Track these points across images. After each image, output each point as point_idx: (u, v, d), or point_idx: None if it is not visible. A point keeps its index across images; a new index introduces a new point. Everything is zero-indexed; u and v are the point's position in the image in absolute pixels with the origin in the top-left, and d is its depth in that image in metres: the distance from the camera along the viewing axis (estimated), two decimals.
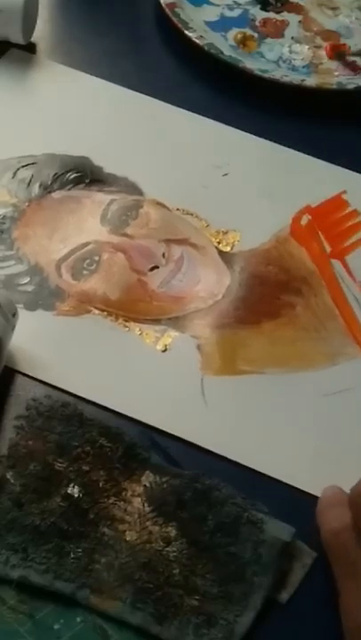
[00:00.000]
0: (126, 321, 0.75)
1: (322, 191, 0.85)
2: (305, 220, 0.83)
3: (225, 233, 0.81)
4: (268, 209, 0.84)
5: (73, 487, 0.64)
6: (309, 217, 0.83)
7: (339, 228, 0.84)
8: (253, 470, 0.68)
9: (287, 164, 0.87)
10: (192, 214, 0.82)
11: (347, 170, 0.87)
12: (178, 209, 0.83)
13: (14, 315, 0.69)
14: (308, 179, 0.86)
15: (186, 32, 0.94)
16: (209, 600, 0.61)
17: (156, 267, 0.78)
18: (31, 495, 0.63)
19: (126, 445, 0.66)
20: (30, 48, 0.93)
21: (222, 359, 0.74)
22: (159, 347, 0.74)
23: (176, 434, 0.69)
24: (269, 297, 0.78)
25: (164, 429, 0.69)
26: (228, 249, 0.80)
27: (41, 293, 0.76)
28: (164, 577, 0.61)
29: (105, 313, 0.75)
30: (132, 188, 0.83)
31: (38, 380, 0.70)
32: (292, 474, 0.68)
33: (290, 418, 0.71)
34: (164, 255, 0.79)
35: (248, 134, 0.89)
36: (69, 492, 0.63)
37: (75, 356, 0.73)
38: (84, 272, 0.77)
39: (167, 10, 0.95)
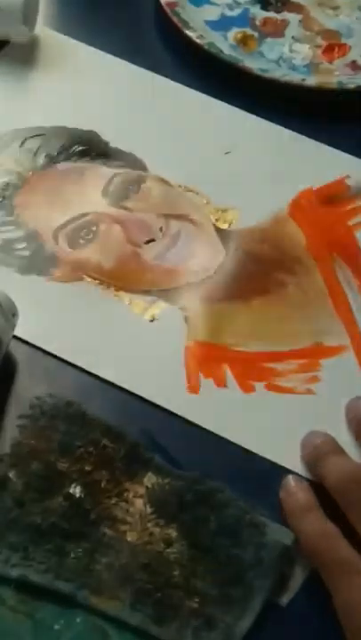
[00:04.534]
0: (117, 290, 0.76)
1: (325, 175, 0.86)
2: (305, 201, 0.84)
3: (224, 211, 0.82)
4: (269, 190, 0.84)
5: (75, 487, 0.64)
6: (310, 199, 0.84)
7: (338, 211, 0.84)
8: (255, 471, 0.68)
9: (293, 147, 0.88)
10: (193, 191, 0.83)
11: (352, 156, 0.88)
12: (180, 185, 0.83)
13: (14, 315, 0.69)
14: (313, 163, 0.87)
15: (186, 32, 0.93)
16: (209, 602, 0.61)
17: (152, 240, 0.79)
18: (33, 494, 0.63)
19: (129, 446, 0.66)
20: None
21: (208, 331, 0.75)
22: (147, 316, 0.75)
23: (156, 402, 0.70)
24: (261, 274, 0.79)
25: (145, 397, 0.70)
26: (225, 226, 0.81)
27: (36, 259, 0.77)
28: (165, 578, 0.61)
29: (97, 282, 0.76)
30: (137, 164, 0.84)
31: (22, 341, 0.71)
32: (263, 446, 0.69)
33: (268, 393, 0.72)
34: (161, 229, 0.80)
35: (257, 117, 0.89)
36: (71, 491, 0.63)
37: (62, 321, 0.74)
38: (81, 241, 0.78)
39: (167, 9, 0.95)
